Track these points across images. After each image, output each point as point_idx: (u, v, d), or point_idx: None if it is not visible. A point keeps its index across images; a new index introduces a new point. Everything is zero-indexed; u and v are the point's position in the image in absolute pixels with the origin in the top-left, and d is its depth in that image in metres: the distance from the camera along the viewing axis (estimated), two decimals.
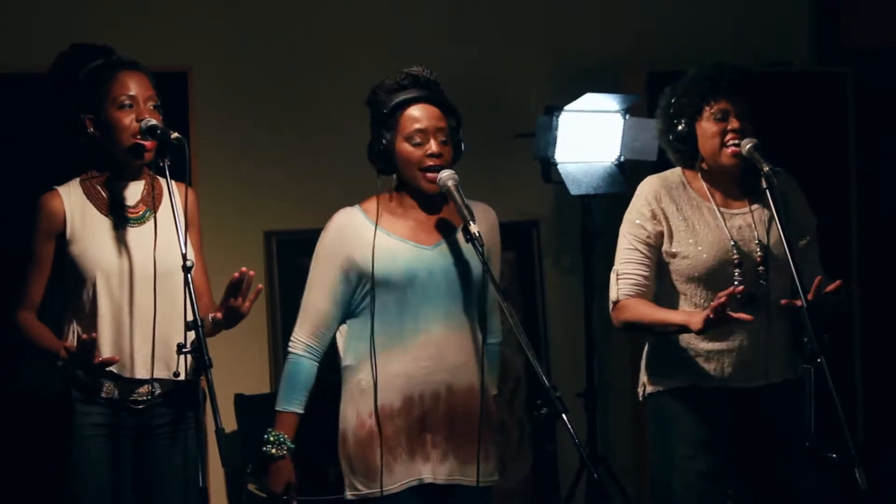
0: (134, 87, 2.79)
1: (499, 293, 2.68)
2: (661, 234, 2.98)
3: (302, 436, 2.88)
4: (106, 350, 2.78)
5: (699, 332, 2.83)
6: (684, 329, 2.86)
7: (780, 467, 2.99)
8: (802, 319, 2.69)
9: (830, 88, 4.69)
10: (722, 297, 2.74)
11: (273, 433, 2.80)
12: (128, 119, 2.77)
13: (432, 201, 2.84)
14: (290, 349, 2.85)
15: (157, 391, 2.82)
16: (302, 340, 2.84)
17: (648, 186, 3.02)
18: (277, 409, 2.84)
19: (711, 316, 2.75)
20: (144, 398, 2.82)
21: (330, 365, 2.90)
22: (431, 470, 2.79)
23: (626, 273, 2.97)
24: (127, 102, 2.77)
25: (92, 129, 2.80)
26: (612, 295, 2.99)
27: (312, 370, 2.84)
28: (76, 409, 2.79)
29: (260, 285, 2.80)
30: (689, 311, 2.91)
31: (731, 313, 2.75)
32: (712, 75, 2.96)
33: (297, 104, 4.17)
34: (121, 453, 2.82)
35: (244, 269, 2.74)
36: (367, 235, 2.78)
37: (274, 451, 2.80)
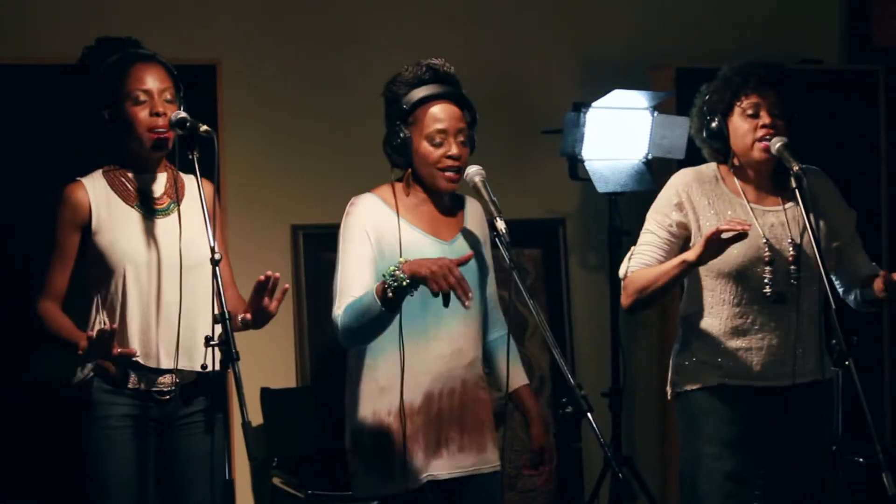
0: (148, 80, 2.79)
1: (525, 293, 2.66)
2: (684, 226, 2.97)
3: (326, 433, 2.87)
4: (133, 341, 2.79)
5: (697, 264, 2.82)
6: (685, 268, 2.84)
7: (806, 469, 2.97)
8: (831, 321, 2.67)
9: (861, 86, 4.65)
10: (723, 226, 2.75)
11: (386, 275, 2.59)
12: (143, 113, 2.78)
13: (442, 199, 2.84)
14: (336, 315, 2.69)
15: (180, 382, 2.83)
16: (351, 298, 2.68)
17: (681, 178, 3.01)
18: (371, 295, 2.60)
19: (704, 249, 2.77)
20: (169, 388, 2.83)
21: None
22: (444, 465, 2.79)
23: (639, 252, 2.98)
24: (141, 98, 2.78)
25: (110, 123, 2.81)
26: (622, 271, 2.99)
27: None
28: (104, 399, 2.81)
29: (287, 285, 2.78)
30: (686, 252, 2.89)
31: (724, 236, 2.74)
32: (744, 71, 2.96)
33: (326, 98, 4.18)
34: (146, 444, 2.84)
35: (269, 272, 2.73)
36: (393, 224, 2.76)
37: (401, 275, 2.57)
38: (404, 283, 2.58)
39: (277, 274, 2.75)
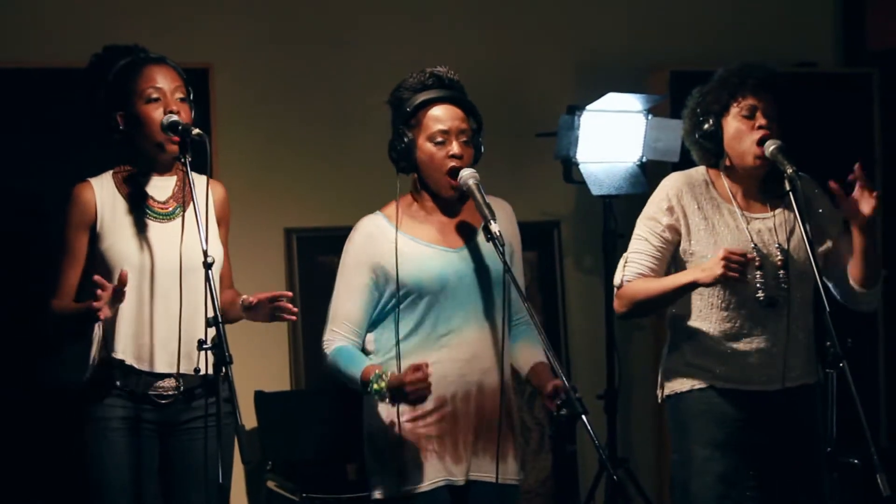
0: (160, 79, 2.81)
1: (520, 293, 2.67)
2: (676, 230, 2.97)
3: (321, 437, 2.87)
4: (126, 344, 2.80)
5: (710, 285, 2.83)
6: (695, 286, 2.85)
7: (798, 471, 2.97)
8: (825, 323, 2.67)
9: (856, 89, 4.66)
10: (732, 254, 2.77)
11: (371, 380, 2.69)
12: (156, 112, 2.79)
13: (452, 203, 2.84)
14: (327, 345, 2.80)
15: (182, 386, 2.83)
16: (338, 338, 2.80)
17: (671, 182, 3.02)
18: (357, 375, 2.72)
19: (720, 272, 2.77)
20: (169, 393, 2.83)
21: None
22: (461, 470, 2.79)
23: (633, 260, 2.98)
24: (154, 95, 2.80)
25: (123, 126, 2.82)
26: (616, 279, 3.00)
27: (359, 350, 2.81)
28: (101, 402, 2.81)
29: (295, 310, 2.82)
30: (697, 268, 2.88)
31: (736, 263, 2.75)
32: (741, 73, 2.97)
33: (319, 101, 4.18)
34: (144, 447, 2.84)
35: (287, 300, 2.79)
36: (393, 241, 2.79)
37: (382, 384, 2.67)
38: (385, 399, 2.70)
39: (291, 307, 2.80)
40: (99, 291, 2.65)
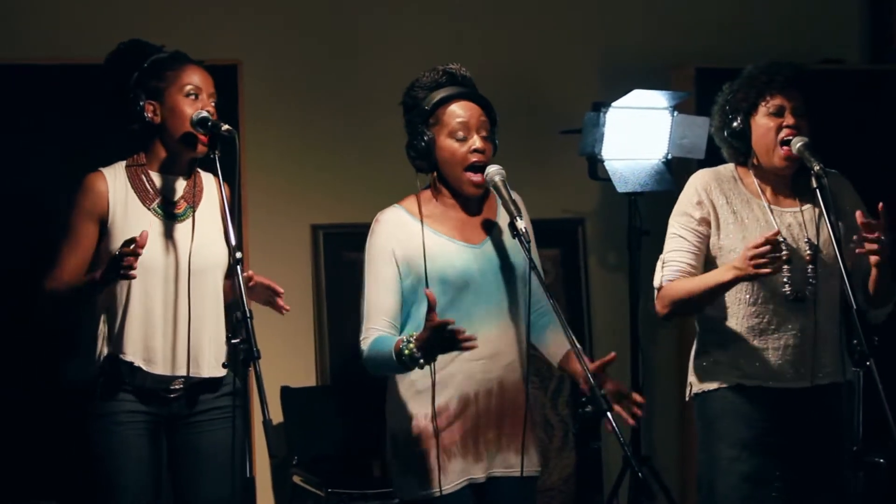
0: (199, 79, 2.84)
1: (545, 290, 2.67)
2: (708, 224, 2.97)
3: (346, 432, 2.86)
4: (135, 346, 2.81)
5: (753, 277, 2.79)
6: (737, 281, 2.82)
7: (825, 470, 2.97)
8: (852, 321, 2.67)
9: (883, 86, 4.63)
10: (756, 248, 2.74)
11: (401, 348, 2.61)
12: (191, 108, 2.81)
13: (472, 200, 2.82)
14: (364, 343, 2.72)
15: (186, 383, 2.85)
16: (374, 333, 2.71)
17: (699, 178, 3.02)
18: (391, 352, 2.62)
19: (752, 272, 2.75)
20: (176, 387, 2.85)
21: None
22: (482, 468, 2.77)
23: (671, 260, 2.97)
24: (192, 92, 2.82)
25: (151, 115, 2.82)
26: (656, 281, 2.99)
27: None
28: (112, 396, 2.82)
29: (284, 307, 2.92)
30: (732, 266, 2.83)
31: (762, 256, 2.73)
32: (769, 71, 2.96)
33: (346, 99, 4.20)
34: (155, 441, 2.85)
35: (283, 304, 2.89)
36: (417, 235, 2.76)
37: (412, 345, 2.59)
38: (419, 362, 2.61)
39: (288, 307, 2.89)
40: (130, 248, 2.63)
